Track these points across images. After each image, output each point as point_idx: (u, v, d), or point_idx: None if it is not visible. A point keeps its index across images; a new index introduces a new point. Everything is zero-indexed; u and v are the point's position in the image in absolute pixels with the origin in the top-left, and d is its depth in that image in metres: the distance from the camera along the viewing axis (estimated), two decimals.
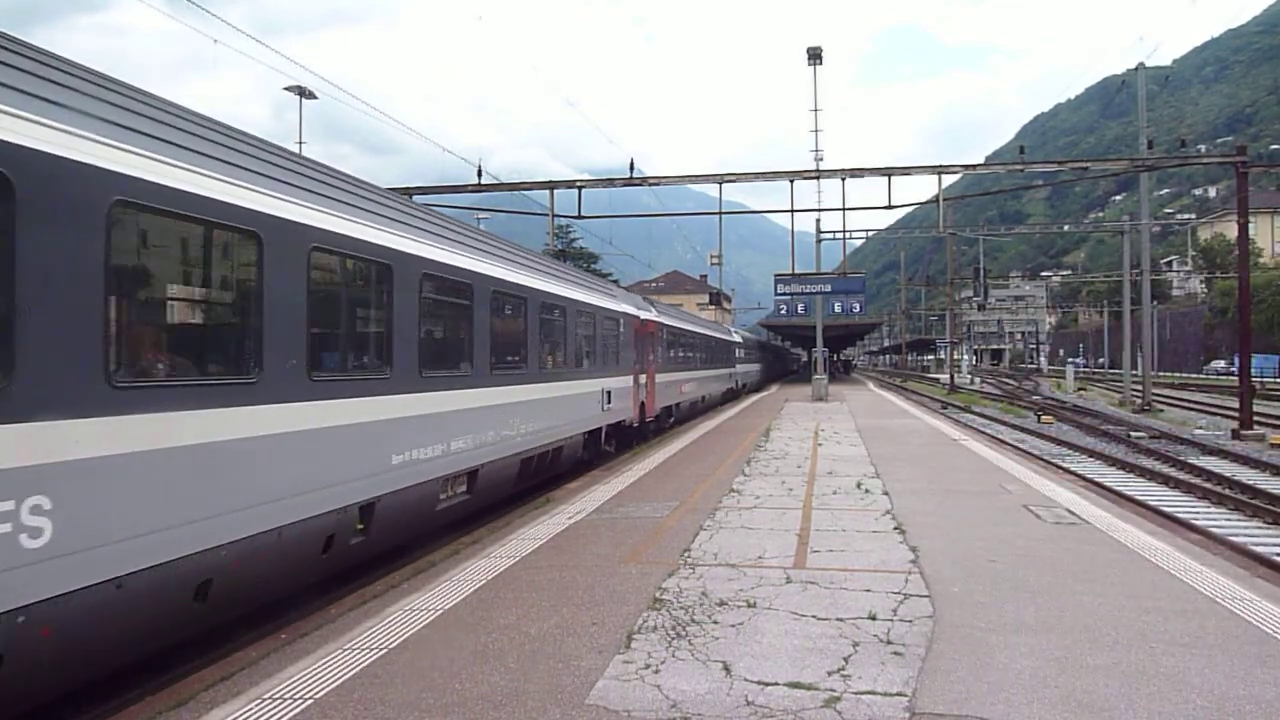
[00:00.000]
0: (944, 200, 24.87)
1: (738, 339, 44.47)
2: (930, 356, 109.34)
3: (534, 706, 4.62)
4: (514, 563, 7.94)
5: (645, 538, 8.92)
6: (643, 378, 20.37)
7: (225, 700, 4.86)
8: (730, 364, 39.46)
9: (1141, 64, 37.01)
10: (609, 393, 16.82)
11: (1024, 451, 20.05)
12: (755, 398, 40.58)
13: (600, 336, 16.74)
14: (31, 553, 4.41)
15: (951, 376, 56.33)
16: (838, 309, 32.32)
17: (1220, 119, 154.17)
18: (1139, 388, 37.80)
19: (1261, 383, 45.79)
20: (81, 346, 4.88)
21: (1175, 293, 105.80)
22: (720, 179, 24.03)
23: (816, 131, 34.21)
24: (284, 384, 6.57)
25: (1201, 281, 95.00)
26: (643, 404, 20.33)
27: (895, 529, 9.16)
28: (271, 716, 4.57)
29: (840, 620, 6.02)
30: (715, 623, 6.01)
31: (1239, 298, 25.64)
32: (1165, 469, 18.68)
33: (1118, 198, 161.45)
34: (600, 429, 16.60)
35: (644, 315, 21.04)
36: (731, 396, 38.95)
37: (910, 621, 5.97)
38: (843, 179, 24.78)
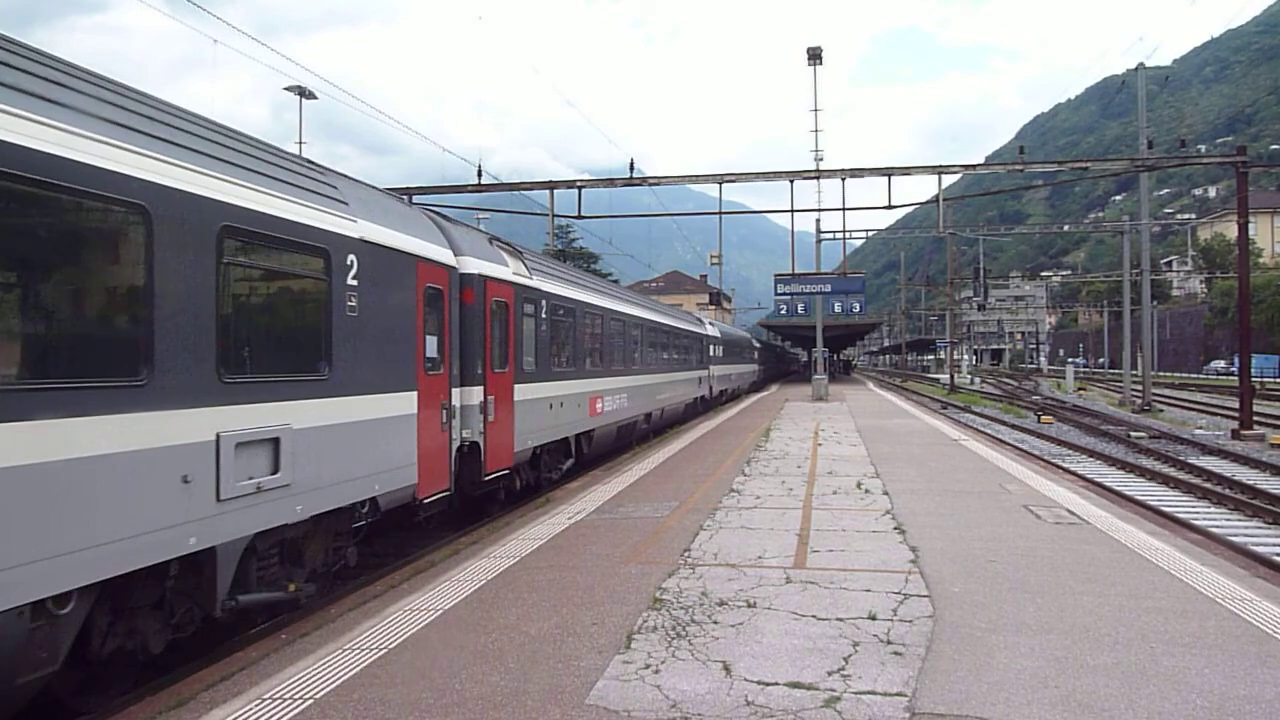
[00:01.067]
0: (944, 200, 24.86)
1: (712, 331, 34.69)
2: (930, 356, 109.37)
3: (534, 706, 4.62)
4: (514, 563, 7.94)
5: (645, 538, 8.92)
6: (475, 394, 10.83)
7: (225, 700, 4.86)
8: (700, 364, 30.72)
9: (1141, 64, 37.06)
10: (275, 443, 6.69)
11: (1024, 451, 20.05)
12: (755, 398, 40.54)
13: (244, 301, 6.69)
14: None
15: (951, 376, 56.32)
16: (838, 309, 32.31)
17: (1220, 119, 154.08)
18: (1139, 388, 37.80)
19: (1261, 383, 45.79)
20: None
21: (1175, 293, 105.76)
22: (720, 179, 24.03)
23: (816, 131, 34.21)
24: None
25: (1201, 281, 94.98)
26: (475, 446, 10.79)
27: (895, 529, 9.16)
28: (271, 716, 4.57)
29: (840, 620, 6.02)
30: (715, 623, 6.01)
31: (1239, 298, 25.64)
32: (1165, 469, 18.69)
33: (1118, 198, 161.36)
34: (206, 554, 6.00)
35: (474, 267, 11.03)
36: (704, 408, 31.24)
37: (910, 621, 5.97)
38: (843, 179, 24.77)
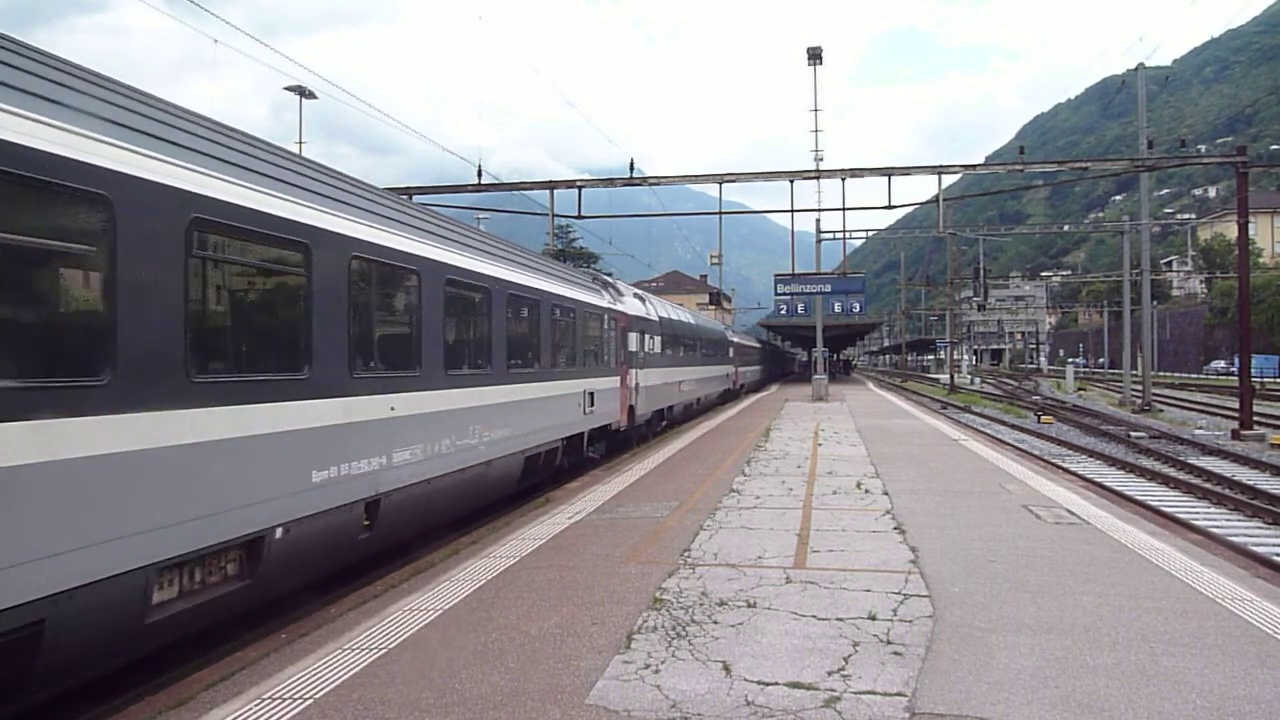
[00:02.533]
0: (944, 200, 24.87)
1: (641, 311, 21.31)
2: (930, 356, 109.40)
3: (534, 706, 4.62)
4: (513, 563, 7.94)
5: (645, 538, 8.92)
6: None
7: (225, 700, 4.86)
8: (600, 366, 17.06)
9: (1141, 64, 37.04)
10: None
11: (1024, 451, 20.05)
12: (754, 398, 40.53)
13: None
14: None
15: (951, 377, 56.33)
16: (838, 309, 32.34)
17: (1220, 119, 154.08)
18: (1139, 388, 37.80)
19: (1261, 383, 45.80)
20: None
21: (1175, 293, 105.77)
22: (720, 179, 24.04)
23: (816, 131, 34.24)
24: None
25: (1201, 281, 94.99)
26: None
27: (895, 529, 9.16)
28: (271, 716, 4.57)
29: (840, 620, 6.02)
30: (715, 623, 6.00)
31: (1239, 298, 25.64)
32: (1165, 469, 18.68)
33: (1118, 198, 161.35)
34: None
35: None
36: (616, 444, 18.40)
37: (910, 621, 5.97)
38: (843, 179, 24.79)
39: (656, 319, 23.04)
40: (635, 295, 22.08)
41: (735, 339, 43.64)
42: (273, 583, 6.80)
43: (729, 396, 39.31)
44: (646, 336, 21.30)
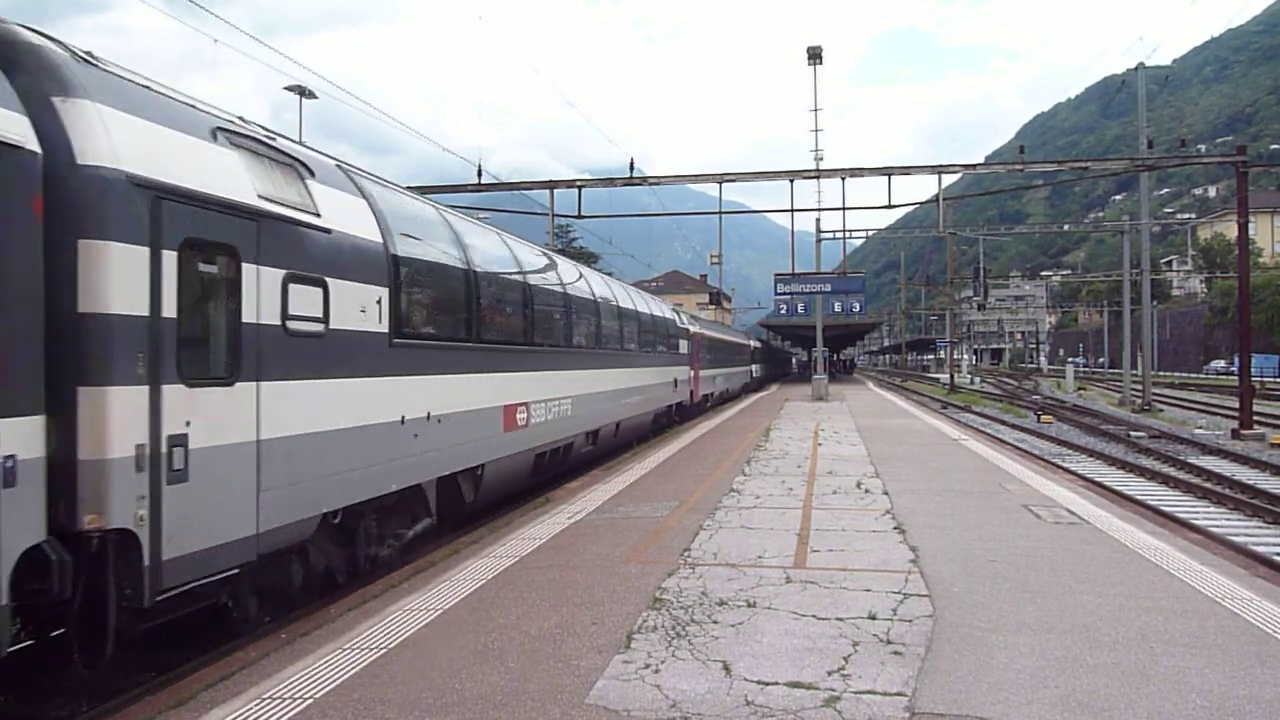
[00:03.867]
0: (944, 200, 24.88)
1: (298, 200, 7.05)
2: (930, 356, 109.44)
3: (534, 706, 4.62)
4: (513, 562, 7.94)
5: (645, 537, 8.92)
6: None
7: (225, 700, 4.86)
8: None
9: (1141, 64, 37.04)
10: None
11: (1024, 451, 20.04)
12: (754, 398, 40.53)
13: None
14: None
15: (951, 376, 56.33)
16: (838, 309, 32.35)
17: (1220, 119, 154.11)
18: (1139, 387, 37.81)
19: (1261, 383, 45.80)
20: None
21: (1175, 293, 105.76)
22: (720, 179, 24.05)
23: (816, 131, 34.26)
24: None
25: (1201, 281, 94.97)
26: None
27: (895, 529, 9.16)
28: (271, 716, 4.57)
29: (840, 620, 6.02)
30: (715, 622, 6.00)
31: (1239, 298, 25.65)
32: (1165, 469, 18.68)
33: (1118, 198, 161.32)
34: None
35: None
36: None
37: (910, 621, 5.97)
38: (843, 179, 24.81)
39: (375, 239, 8.52)
40: (229, 134, 6.63)
41: (694, 327, 29.31)
42: None
43: (681, 416, 25.66)
44: (296, 289, 6.85)
